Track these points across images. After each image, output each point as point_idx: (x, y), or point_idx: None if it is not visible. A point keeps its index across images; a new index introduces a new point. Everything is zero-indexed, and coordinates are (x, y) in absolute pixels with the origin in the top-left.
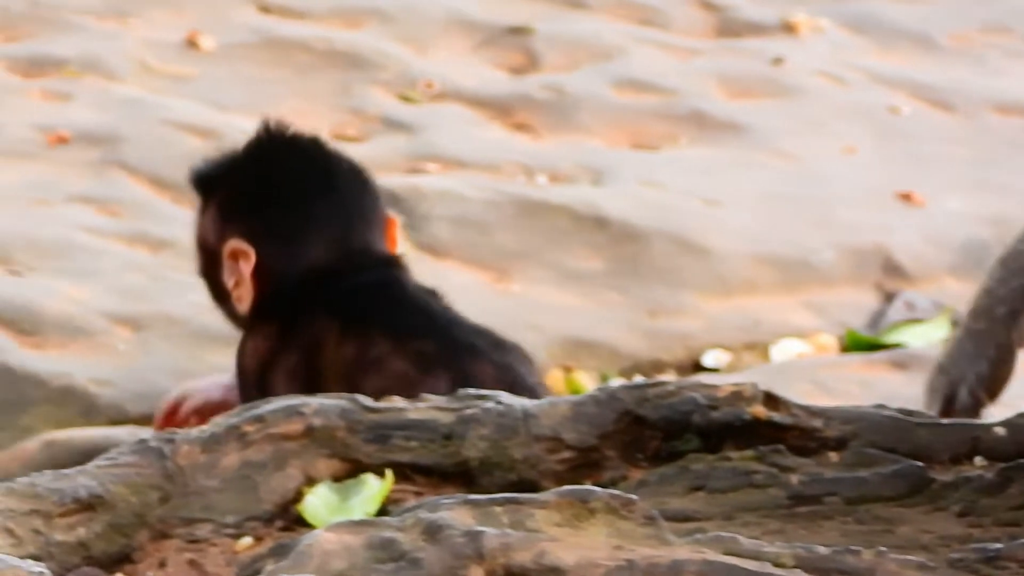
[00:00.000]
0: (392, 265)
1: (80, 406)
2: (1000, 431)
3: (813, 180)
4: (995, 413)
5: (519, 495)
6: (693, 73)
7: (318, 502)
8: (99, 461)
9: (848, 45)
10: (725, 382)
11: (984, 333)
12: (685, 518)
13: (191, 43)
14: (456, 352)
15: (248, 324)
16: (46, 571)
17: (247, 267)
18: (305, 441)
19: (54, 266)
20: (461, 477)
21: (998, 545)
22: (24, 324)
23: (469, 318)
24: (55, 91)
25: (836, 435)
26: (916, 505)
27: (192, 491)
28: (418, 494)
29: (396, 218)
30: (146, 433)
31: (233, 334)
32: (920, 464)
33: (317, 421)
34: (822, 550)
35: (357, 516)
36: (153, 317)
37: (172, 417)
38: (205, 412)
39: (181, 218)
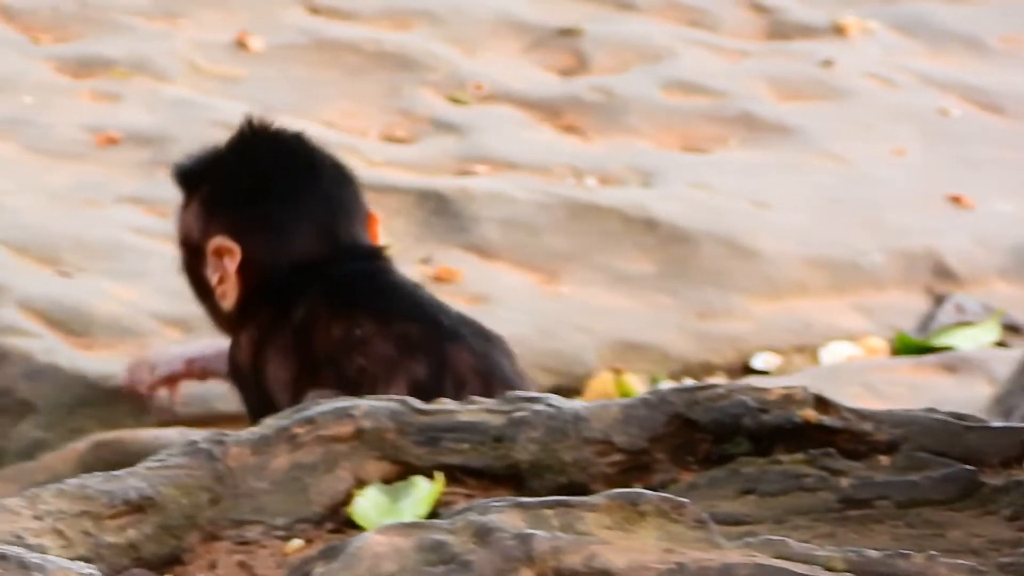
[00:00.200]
0: (377, 256)
1: (129, 407)
2: None
3: (863, 182)
4: None
5: (569, 498)
6: (743, 75)
7: (368, 504)
8: (149, 462)
9: (898, 47)
10: (775, 385)
11: None
12: (735, 521)
13: (240, 44)
14: (438, 337)
15: (233, 321)
16: (96, 573)
17: (232, 264)
18: (355, 443)
19: (103, 267)
20: (511, 480)
21: None
22: (73, 325)
23: (454, 308)
24: (104, 92)
25: (886, 439)
26: (966, 509)
27: (242, 493)
28: (468, 496)
29: (377, 215)
30: (196, 434)
31: None
32: (971, 468)
33: (367, 423)
34: (873, 554)
35: (407, 518)
36: (201, 318)
37: (137, 388)
38: (173, 382)
39: None
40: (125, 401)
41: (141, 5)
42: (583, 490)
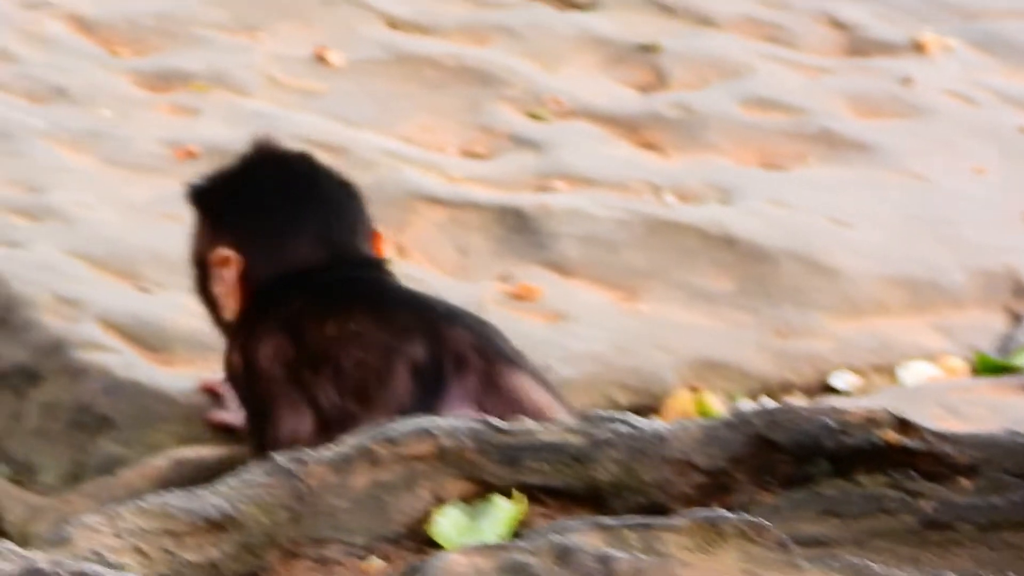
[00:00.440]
0: (375, 266)
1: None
2: None
3: (942, 200)
4: None
5: (650, 518)
6: (822, 92)
7: (448, 523)
8: (229, 480)
9: (977, 65)
10: (855, 406)
11: None
12: (816, 543)
13: (320, 58)
14: (433, 319)
15: (234, 330)
16: None
17: (232, 273)
18: (435, 462)
19: (182, 282)
20: (592, 499)
21: None
22: (152, 340)
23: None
24: (183, 105)
25: (967, 461)
26: None
27: (322, 511)
28: (548, 516)
29: (382, 232)
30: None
31: None
32: None
33: (448, 442)
34: None
35: (487, 538)
36: None
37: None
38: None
39: None
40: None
41: (220, 18)
42: (663, 511)
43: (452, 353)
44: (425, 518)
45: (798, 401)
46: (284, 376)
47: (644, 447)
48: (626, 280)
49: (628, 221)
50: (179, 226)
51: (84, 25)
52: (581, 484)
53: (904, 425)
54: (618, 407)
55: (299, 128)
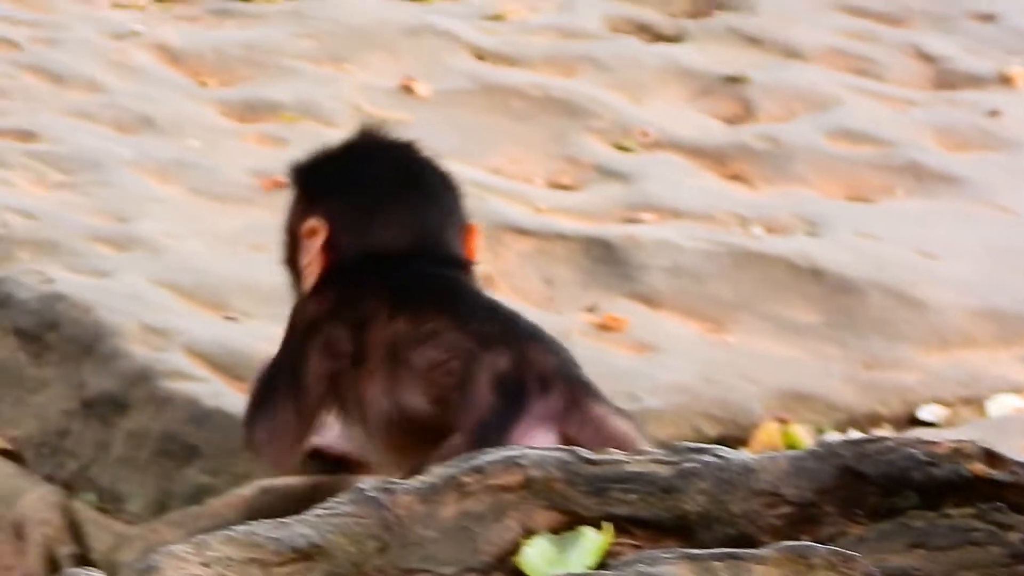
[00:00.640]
0: (456, 265)
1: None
2: None
3: None
4: None
5: (738, 550)
6: (909, 124)
7: (536, 554)
8: (317, 510)
9: None
10: (943, 438)
11: None
12: (904, 575)
13: (406, 89)
14: (517, 336)
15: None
16: None
17: (317, 243)
18: (523, 492)
19: (269, 312)
20: (680, 531)
21: None
22: (239, 369)
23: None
24: (271, 136)
25: None
26: None
27: (410, 541)
28: (636, 547)
29: (477, 227)
30: (364, 482)
31: None
32: None
33: (536, 472)
34: None
35: (575, 569)
36: None
37: None
38: None
39: None
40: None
41: (308, 49)
42: (752, 542)
43: (536, 371)
44: (514, 549)
45: (885, 433)
46: (330, 365)
47: (732, 478)
48: (713, 311)
49: (715, 252)
50: (266, 256)
51: (172, 55)
52: (669, 515)
53: (992, 457)
54: (706, 438)
55: None
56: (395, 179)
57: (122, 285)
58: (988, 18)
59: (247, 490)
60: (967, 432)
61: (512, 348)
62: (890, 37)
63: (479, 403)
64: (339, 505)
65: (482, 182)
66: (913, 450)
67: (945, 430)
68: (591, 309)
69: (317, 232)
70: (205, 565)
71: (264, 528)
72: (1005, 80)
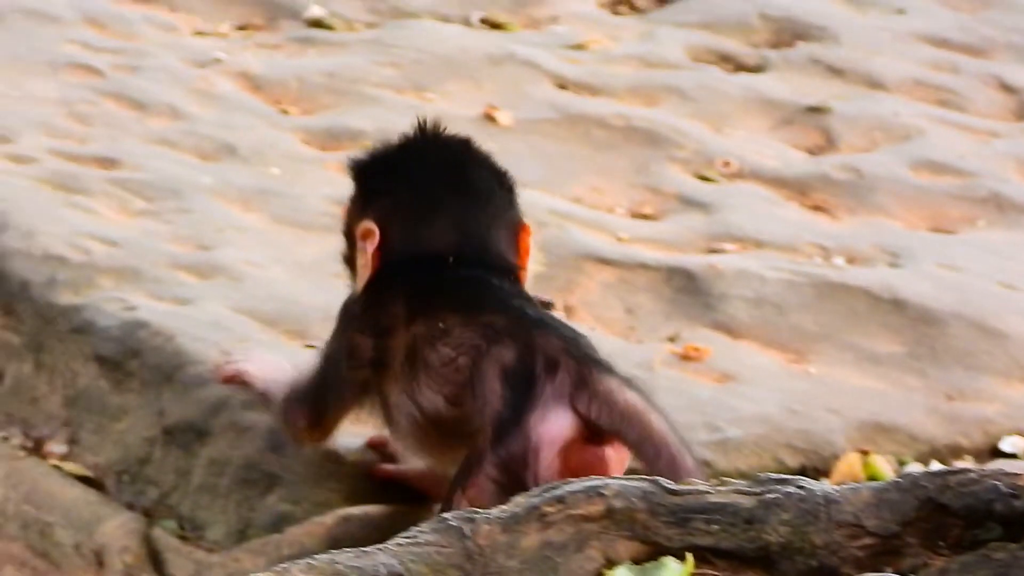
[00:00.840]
0: (500, 266)
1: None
2: None
3: None
4: None
5: None
6: (992, 155)
7: None
8: (399, 539)
9: None
10: None
11: None
12: None
13: (488, 117)
14: (525, 325)
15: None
16: None
17: (371, 246)
18: (605, 522)
19: None
20: (761, 562)
21: None
22: None
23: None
24: None
25: None
26: None
27: (492, 571)
28: None
29: (531, 228)
30: (446, 512)
31: None
32: None
33: (618, 503)
34: None
35: None
36: None
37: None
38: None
39: None
40: (373, 474)
41: (390, 78)
42: (833, 573)
43: (543, 355)
44: None
45: (968, 465)
46: (361, 369)
47: (814, 509)
48: (795, 342)
49: (797, 283)
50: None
51: (254, 83)
52: (751, 546)
53: None
54: (787, 469)
55: None
56: (445, 180)
57: (203, 313)
58: None
59: (328, 518)
60: None
61: (518, 338)
62: (972, 68)
63: (491, 397)
64: (421, 534)
65: (564, 211)
66: (996, 482)
67: None
68: (673, 339)
69: (371, 234)
70: None
71: (346, 557)
72: None
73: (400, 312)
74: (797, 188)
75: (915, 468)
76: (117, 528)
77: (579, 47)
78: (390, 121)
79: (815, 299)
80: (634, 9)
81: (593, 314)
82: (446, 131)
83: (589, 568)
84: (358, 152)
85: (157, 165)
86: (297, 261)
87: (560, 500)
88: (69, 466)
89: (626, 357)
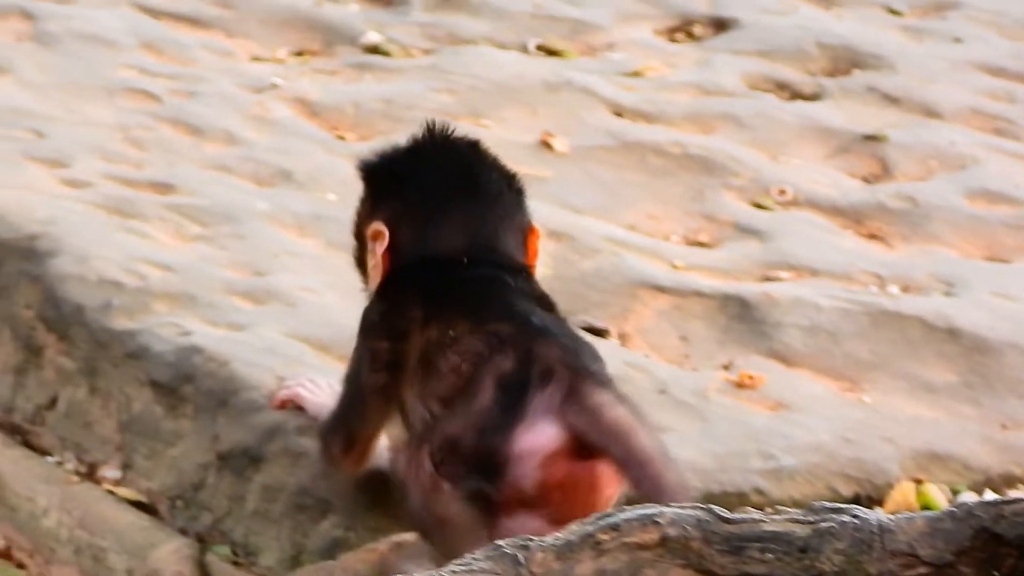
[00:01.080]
0: (509, 268)
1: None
2: None
3: None
4: None
5: None
6: None
7: None
8: (454, 566)
9: None
10: None
11: None
12: None
13: (545, 144)
14: (528, 333)
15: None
16: None
17: (381, 247)
18: (660, 550)
19: None
20: None
21: None
22: None
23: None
24: None
25: None
26: None
27: None
28: None
29: (539, 230)
30: (500, 539)
31: None
32: None
33: (672, 531)
34: None
35: None
36: None
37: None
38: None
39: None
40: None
41: (446, 104)
42: None
43: (540, 366)
44: None
45: (1022, 495)
46: (379, 375)
47: (868, 538)
48: (849, 370)
49: (852, 311)
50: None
51: (310, 109)
52: (806, 574)
53: None
54: (841, 498)
55: None
56: (453, 182)
57: (258, 338)
58: None
59: (382, 544)
60: None
61: (519, 347)
62: None
63: (481, 402)
64: (475, 561)
65: (619, 239)
66: None
67: None
68: (727, 367)
69: (380, 236)
70: None
71: None
72: None
73: (417, 315)
74: (852, 216)
75: (969, 497)
76: (170, 554)
77: (635, 74)
78: None
79: (870, 327)
80: (690, 36)
81: (648, 341)
82: (455, 133)
83: None
84: (368, 154)
85: (213, 190)
86: (351, 286)
87: (614, 528)
88: (123, 491)
89: (680, 385)
